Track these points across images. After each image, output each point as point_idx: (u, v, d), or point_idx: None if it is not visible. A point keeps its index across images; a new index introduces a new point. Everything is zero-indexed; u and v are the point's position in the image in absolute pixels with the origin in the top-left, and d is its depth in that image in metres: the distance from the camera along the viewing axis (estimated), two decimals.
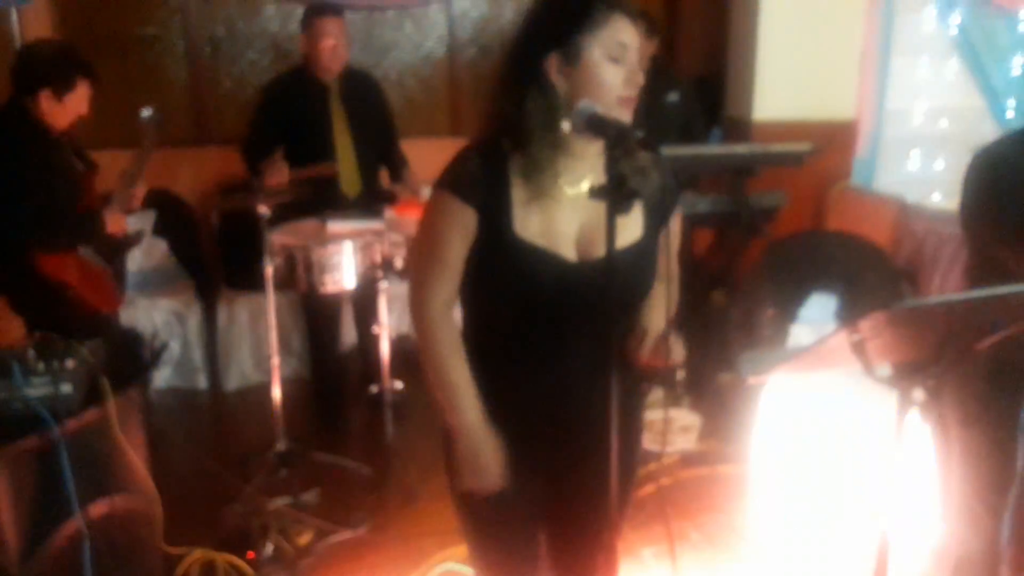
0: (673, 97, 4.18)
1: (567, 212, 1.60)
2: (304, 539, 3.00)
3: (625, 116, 1.56)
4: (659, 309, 1.67)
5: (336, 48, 3.63)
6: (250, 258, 3.39)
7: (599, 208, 1.51)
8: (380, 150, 3.89)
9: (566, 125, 1.54)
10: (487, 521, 1.76)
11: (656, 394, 3.88)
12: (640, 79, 1.57)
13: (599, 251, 1.58)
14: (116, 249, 3.21)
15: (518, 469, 1.70)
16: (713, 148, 4.34)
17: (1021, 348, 1.91)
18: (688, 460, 3.60)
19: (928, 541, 2.71)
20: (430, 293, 1.63)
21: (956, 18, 4.66)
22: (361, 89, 3.84)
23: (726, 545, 3.09)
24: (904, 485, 1.81)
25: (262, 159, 3.51)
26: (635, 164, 1.60)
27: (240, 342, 4.42)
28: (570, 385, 1.65)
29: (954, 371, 2.04)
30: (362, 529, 3.08)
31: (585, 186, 1.60)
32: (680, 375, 3.87)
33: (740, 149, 4.01)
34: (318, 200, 3.54)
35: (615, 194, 1.42)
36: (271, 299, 3.25)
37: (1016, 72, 4.65)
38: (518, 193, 1.58)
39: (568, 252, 1.60)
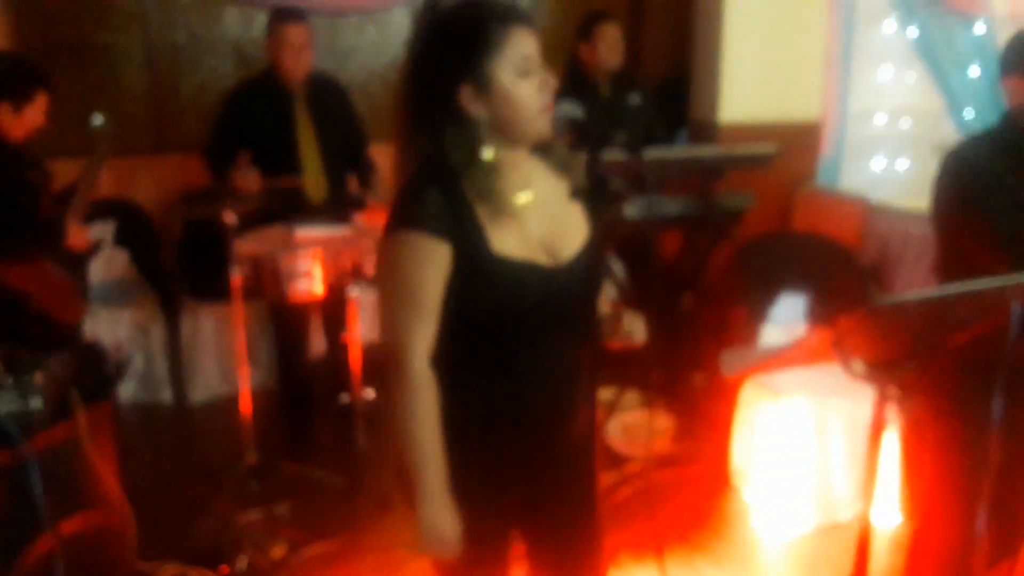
0: (635, 99, 4.19)
1: (528, 221, 1.60)
2: (278, 552, 2.96)
3: (544, 125, 1.55)
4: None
5: (300, 54, 3.59)
6: (215, 268, 3.35)
7: (554, 211, 1.55)
8: (347, 156, 3.86)
9: (488, 152, 1.53)
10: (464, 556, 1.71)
11: (632, 396, 3.90)
12: (551, 81, 1.55)
13: (565, 252, 1.61)
14: (76, 259, 3.15)
15: (493, 486, 1.68)
16: (681, 150, 4.36)
17: (992, 342, 1.94)
18: (663, 462, 3.61)
19: (905, 534, 2.74)
20: (413, 344, 1.55)
21: (917, 23, 4.74)
22: (326, 94, 3.80)
23: (702, 546, 3.10)
24: (882, 480, 1.84)
25: (226, 166, 3.47)
26: (556, 159, 1.62)
27: (205, 354, 4.36)
28: (553, 390, 1.64)
29: (928, 366, 2.09)
30: (336, 540, 3.04)
31: (529, 195, 1.60)
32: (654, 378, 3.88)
33: (708, 151, 4.03)
34: (285, 207, 3.51)
35: (597, 197, 1.43)
36: (239, 308, 3.20)
37: (974, 76, 4.74)
38: (482, 212, 1.55)
39: (542, 259, 1.59)
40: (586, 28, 4.05)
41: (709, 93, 4.63)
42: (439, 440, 1.58)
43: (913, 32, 4.66)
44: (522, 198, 1.60)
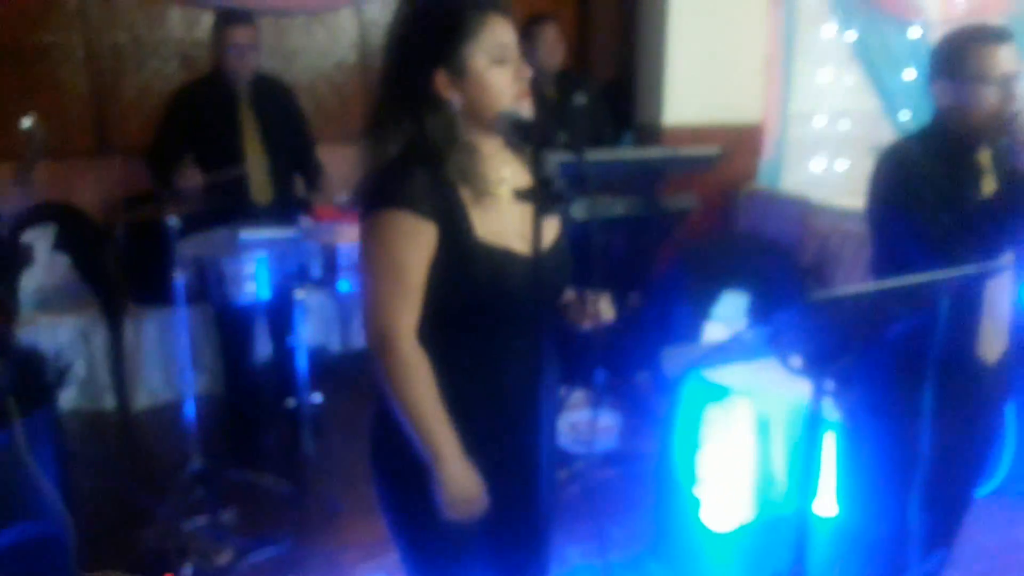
0: (581, 99, 4.23)
1: (508, 210, 1.61)
2: (224, 559, 2.93)
3: (527, 109, 1.58)
4: None
5: (246, 55, 3.56)
6: (158, 271, 3.29)
7: (553, 214, 1.56)
8: (294, 157, 3.83)
9: (465, 137, 1.55)
10: (428, 536, 1.73)
11: (578, 395, 3.94)
12: (526, 71, 1.57)
13: (542, 244, 1.61)
14: (7, 266, 3.08)
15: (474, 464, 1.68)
16: (627, 152, 4.41)
17: (922, 336, 2.01)
18: (609, 459, 3.65)
19: (842, 526, 2.80)
20: (399, 323, 1.56)
21: (854, 27, 4.87)
22: (273, 95, 3.78)
23: (648, 542, 3.13)
24: (818, 473, 1.88)
25: (170, 168, 3.42)
26: (526, 159, 1.63)
27: (149, 359, 4.29)
28: (526, 378, 1.64)
29: (863, 361, 2.14)
30: (284, 545, 3.02)
31: (505, 185, 1.62)
32: (600, 376, 3.92)
33: (653, 153, 4.08)
34: (229, 209, 3.47)
35: (541, 196, 1.44)
36: (181, 313, 3.16)
37: (910, 78, 4.88)
38: (466, 196, 1.57)
39: (520, 248, 1.60)
40: (525, 30, 4.10)
41: (653, 96, 4.70)
42: (442, 408, 1.59)
43: (852, 35, 4.78)
44: (503, 187, 1.61)
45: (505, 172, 1.64)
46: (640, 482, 3.52)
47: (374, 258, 1.58)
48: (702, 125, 4.57)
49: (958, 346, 2.14)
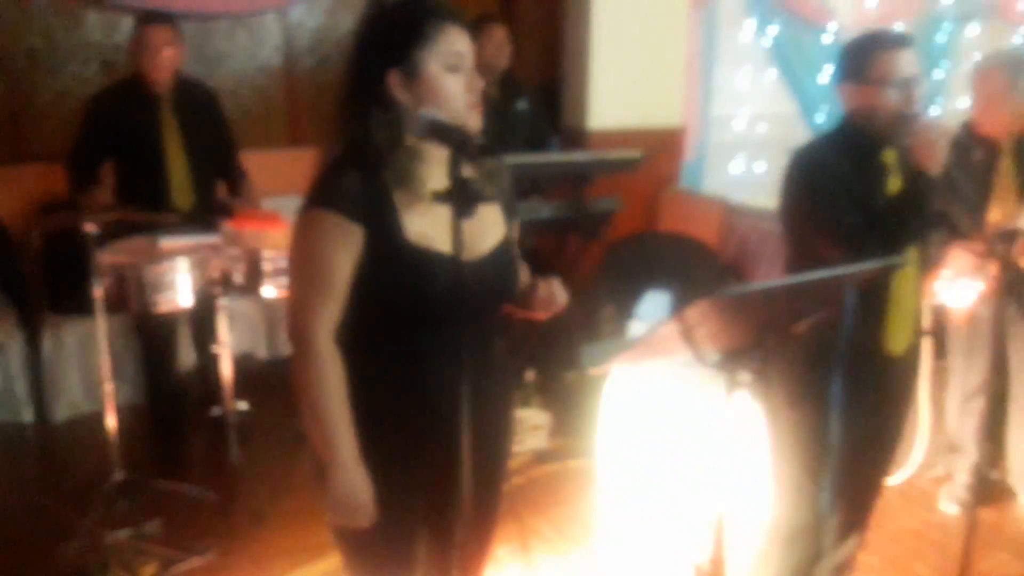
0: (522, 105, 4.30)
1: (443, 214, 1.60)
2: (149, 570, 2.88)
3: (476, 121, 1.61)
4: None
5: (164, 57, 3.50)
6: (76, 280, 3.21)
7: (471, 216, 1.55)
8: (216, 162, 3.78)
9: (412, 137, 1.56)
10: (370, 541, 1.73)
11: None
12: (479, 83, 1.61)
13: (478, 249, 1.64)
14: None
15: (398, 478, 1.69)
16: (554, 156, 4.46)
17: (831, 331, 2.08)
18: (540, 457, 3.69)
19: (762, 517, 2.87)
20: (317, 322, 1.58)
21: (772, 31, 5.01)
22: (195, 100, 3.72)
23: (578, 538, 3.18)
24: (736, 464, 1.93)
25: (90, 174, 3.35)
26: (484, 168, 1.66)
27: (68, 370, 4.17)
28: (451, 388, 1.61)
29: (777, 355, 2.21)
30: (211, 555, 2.98)
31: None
32: (529, 376, 3.96)
33: (578, 156, 4.14)
34: (149, 216, 3.41)
35: (459, 198, 1.44)
36: (101, 322, 3.09)
37: (825, 80, 5.03)
38: (399, 199, 1.58)
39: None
40: (473, 29, 4.11)
41: (579, 101, 4.77)
42: (347, 412, 1.60)
43: (769, 39, 4.92)
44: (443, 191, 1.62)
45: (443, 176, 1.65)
46: (569, 479, 3.57)
47: (298, 256, 1.61)
48: (626, 129, 4.65)
49: (866, 339, 2.23)
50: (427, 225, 1.60)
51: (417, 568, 1.81)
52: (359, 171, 1.57)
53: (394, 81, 1.57)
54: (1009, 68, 2.89)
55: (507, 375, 1.81)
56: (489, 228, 1.69)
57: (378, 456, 1.66)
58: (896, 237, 2.09)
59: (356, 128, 1.58)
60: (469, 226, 1.59)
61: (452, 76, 1.57)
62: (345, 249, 1.56)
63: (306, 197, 1.60)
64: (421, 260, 1.58)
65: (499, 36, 4.19)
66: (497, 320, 1.66)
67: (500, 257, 1.69)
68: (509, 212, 1.77)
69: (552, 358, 4.06)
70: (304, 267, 1.60)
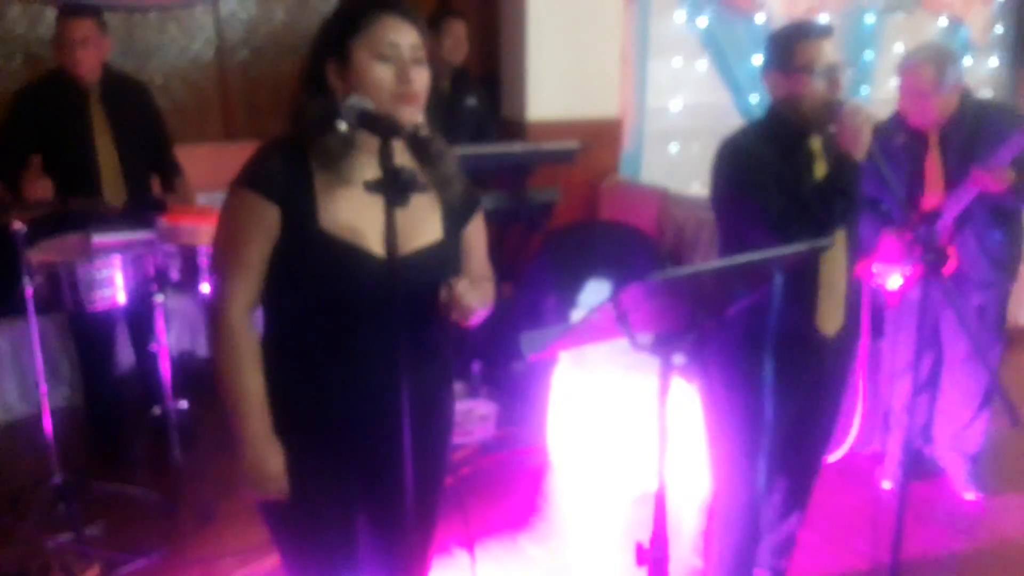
0: (472, 101, 4.34)
1: (373, 209, 1.59)
2: (91, 574, 2.82)
3: (410, 114, 1.60)
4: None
5: (87, 50, 3.42)
6: (5, 280, 3.14)
7: (409, 204, 1.53)
8: (149, 157, 3.72)
9: (342, 124, 1.55)
10: (302, 530, 1.76)
11: (456, 387, 3.98)
12: (414, 75, 1.60)
13: (407, 247, 1.62)
14: None
15: (332, 470, 1.71)
16: (493, 147, 4.48)
17: (763, 313, 2.14)
18: (487, 447, 3.72)
19: (701, 497, 2.94)
20: (231, 296, 1.62)
21: (703, 20, 5.09)
22: (124, 93, 3.65)
23: (527, 525, 3.22)
24: (674, 446, 1.96)
25: (16, 170, 3.27)
26: (442, 168, 1.69)
27: (1, 373, 4.07)
28: (378, 382, 1.64)
29: (711, 338, 2.26)
30: (155, 556, 2.94)
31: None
32: (476, 367, 3.98)
33: (516, 148, 4.17)
34: (80, 213, 3.34)
35: (390, 188, 1.43)
36: (34, 323, 3.02)
37: (756, 65, 5.12)
38: (321, 186, 1.59)
39: (376, 248, 1.61)
40: (433, 22, 4.15)
41: (517, 93, 4.79)
42: (260, 386, 1.64)
43: (701, 25, 5.00)
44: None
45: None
46: (516, 467, 3.60)
47: (218, 232, 1.67)
48: (564, 120, 4.69)
49: (799, 321, 2.28)
50: (349, 219, 1.60)
51: (353, 558, 1.81)
52: (285, 153, 1.60)
53: (331, 70, 1.60)
54: (936, 63, 2.95)
55: (443, 366, 1.81)
56: (426, 226, 1.69)
57: (309, 454, 1.69)
58: (822, 221, 2.14)
59: (294, 110, 1.62)
60: (403, 223, 1.57)
61: (381, 65, 1.58)
62: (260, 228, 1.59)
63: (235, 176, 1.63)
64: (333, 250, 1.59)
65: (458, 32, 4.22)
66: (431, 314, 1.66)
67: (429, 257, 1.67)
68: (459, 217, 1.76)
69: (497, 349, 4.09)
70: (221, 244, 1.66)
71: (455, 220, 1.76)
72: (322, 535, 1.76)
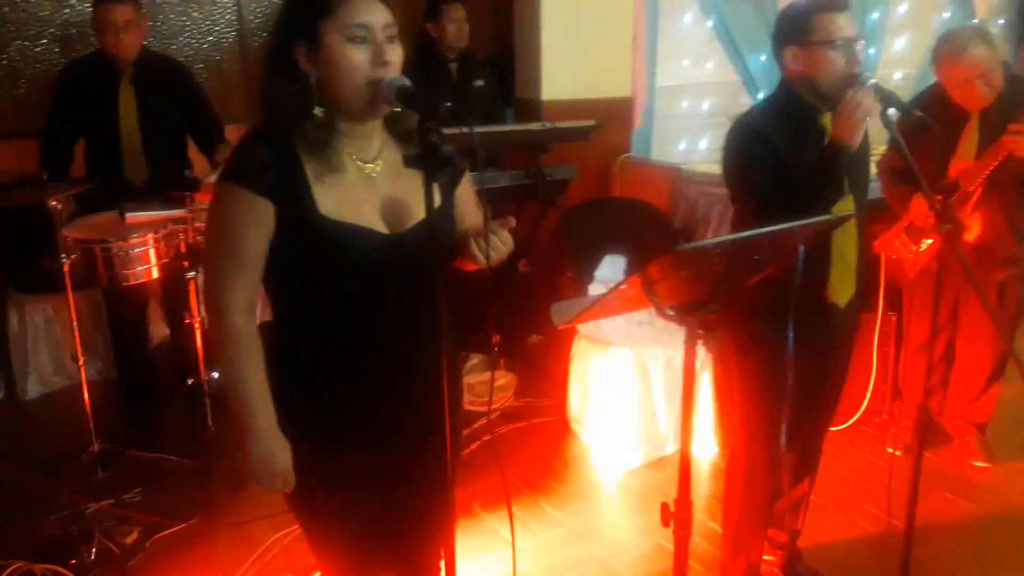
0: (479, 83, 4.42)
1: (368, 188, 1.61)
2: (130, 538, 2.92)
3: (374, 96, 1.54)
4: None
5: (125, 33, 3.53)
6: (39, 257, 3.23)
7: (398, 181, 1.59)
8: (183, 137, 3.81)
9: (319, 110, 1.56)
10: (329, 518, 1.76)
11: (475, 359, 4.10)
12: (389, 55, 1.55)
13: (407, 222, 1.62)
14: None
15: (352, 453, 1.71)
16: (510, 126, 4.57)
17: (779, 284, 2.20)
18: (507, 416, 3.84)
19: (721, 462, 3.01)
20: (230, 296, 1.58)
21: (716, 6, 5.13)
22: (159, 74, 3.73)
23: (546, 489, 3.33)
24: (698, 411, 2.03)
25: (62, 151, 3.36)
26: (403, 127, 1.66)
27: (36, 348, 4.16)
28: (395, 358, 1.67)
29: (729, 306, 2.32)
30: (192, 520, 3.03)
31: (379, 164, 1.64)
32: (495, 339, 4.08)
33: (534, 126, 4.23)
34: (111, 191, 3.44)
35: (430, 162, 1.44)
36: (70, 298, 3.12)
37: (766, 56, 5.16)
38: (312, 173, 1.56)
39: (379, 226, 1.60)
40: (433, 8, 4.22)
41: (532, 74, 4.84)
42: (263, 381, 1.62)
43: (713, 15, 5.05)
44: (367, 167, 1.63)
45: (379, 152, 1.65)
46: (536, 434, 3.72)
47: (211, 232, 1.64)
48: (578, 100, 4.75)
49: (811, 291, 2.33)
50: (344, 200, 1.58)
51: (371, 542, 1.82)
52: (269, 144, 1.55)
53: (300, 54, 1.54)
54: (986, 43, 2.92)
55: (448, 342, 1.73)
56: (418, 200, 1.60)
57: (320, 440, 1.68)
58: (809, 204, 2.06)
59: (268, 101, 1.58)
60: (396, 199, 1.63)
61: (354, 48, 1.52)
62: (254, 224, 1.54)
63: (221, 171, 1.61)
64: (336, 233, 1.56)
65: (459, 16, 4.29)
66: (434, 288, 1.59)
67: (426, 230, 1.60)
68: (448, 181, 1.74)
69: (516, 322, 4.20)
70: (216, 243, 1.61)
71: (446, 185, 1.73)
72: (349, 521, 1.76)
